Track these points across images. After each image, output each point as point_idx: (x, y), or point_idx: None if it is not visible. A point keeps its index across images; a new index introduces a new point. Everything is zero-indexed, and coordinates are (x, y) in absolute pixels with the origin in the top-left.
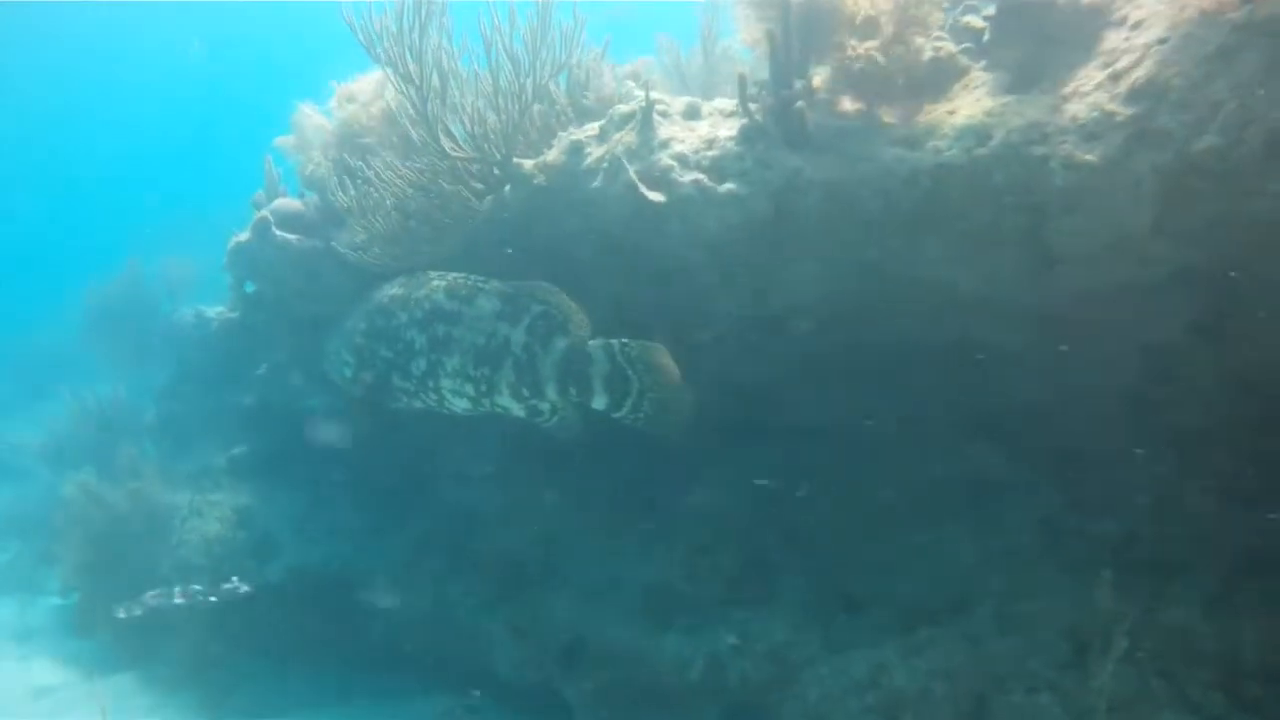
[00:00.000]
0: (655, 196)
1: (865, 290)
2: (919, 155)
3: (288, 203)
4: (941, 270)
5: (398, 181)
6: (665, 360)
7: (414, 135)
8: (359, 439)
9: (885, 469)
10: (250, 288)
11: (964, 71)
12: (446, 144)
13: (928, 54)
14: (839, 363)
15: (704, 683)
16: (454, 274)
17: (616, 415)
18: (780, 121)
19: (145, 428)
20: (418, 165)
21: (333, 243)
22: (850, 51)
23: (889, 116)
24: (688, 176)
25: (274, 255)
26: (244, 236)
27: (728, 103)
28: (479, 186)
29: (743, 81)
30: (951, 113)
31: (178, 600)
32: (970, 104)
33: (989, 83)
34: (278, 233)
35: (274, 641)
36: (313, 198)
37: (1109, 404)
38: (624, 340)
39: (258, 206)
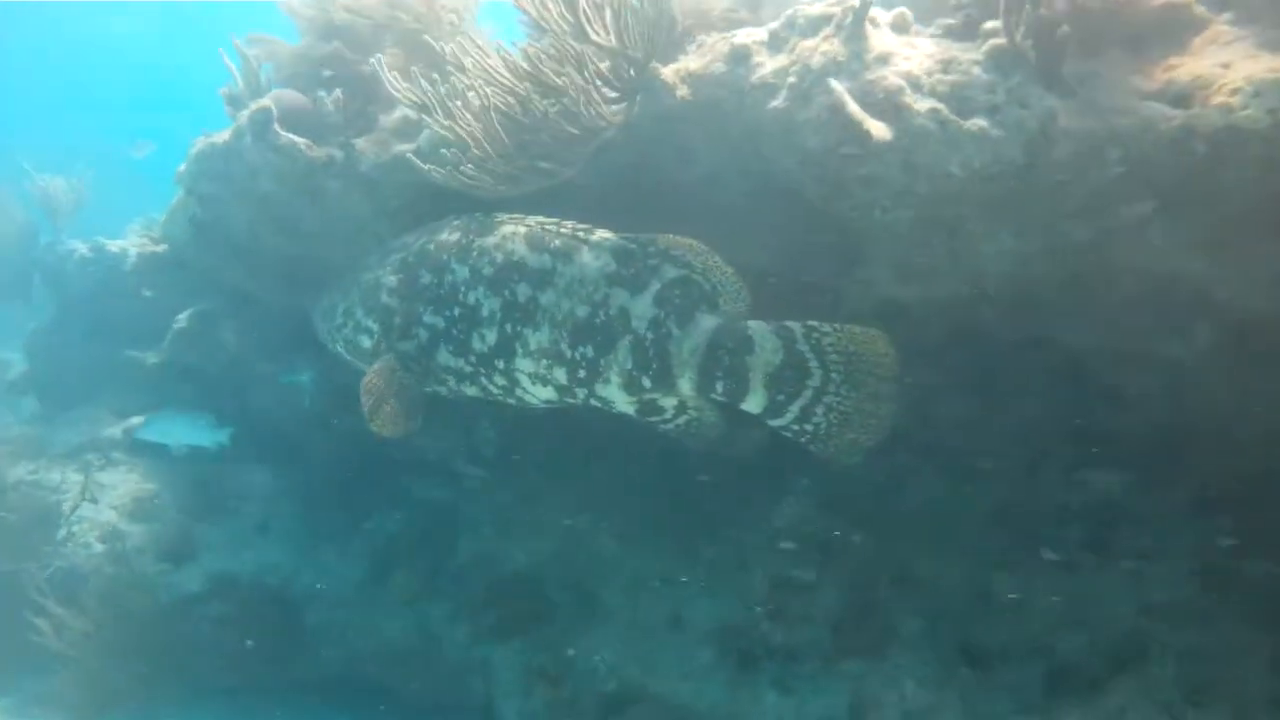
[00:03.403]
0: (877, 128)
1: (1058, 278)
2: (1195, 114)
3: (291, 95)
4: (1185, 264)
5: (502, 70)
6: (881, 354)
7: (532, 7)
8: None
9: (996, 491)
10: (194, 212)
11: (1203, 23)
12: (590, 24)
13: None
14: (971, 363)
15: None
16: (535, 217)
17: (774, 423)
18: (1040, 48)
19: (9, 384)
20: (539, 47)
21: (407, 152)
22: None
23: (1109, 66)
24: (923, 104)
25: (272, 164)
26: (221, 137)
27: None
28: (611, 94)
29: None
30: (1226, 66)
31: None
32: (1247, 60)
33: (1250, 38)
34: (281, 132)
35: (191, 670)
36: (334, 93)
37: None
38: (811, 322)
39: (235, 103)
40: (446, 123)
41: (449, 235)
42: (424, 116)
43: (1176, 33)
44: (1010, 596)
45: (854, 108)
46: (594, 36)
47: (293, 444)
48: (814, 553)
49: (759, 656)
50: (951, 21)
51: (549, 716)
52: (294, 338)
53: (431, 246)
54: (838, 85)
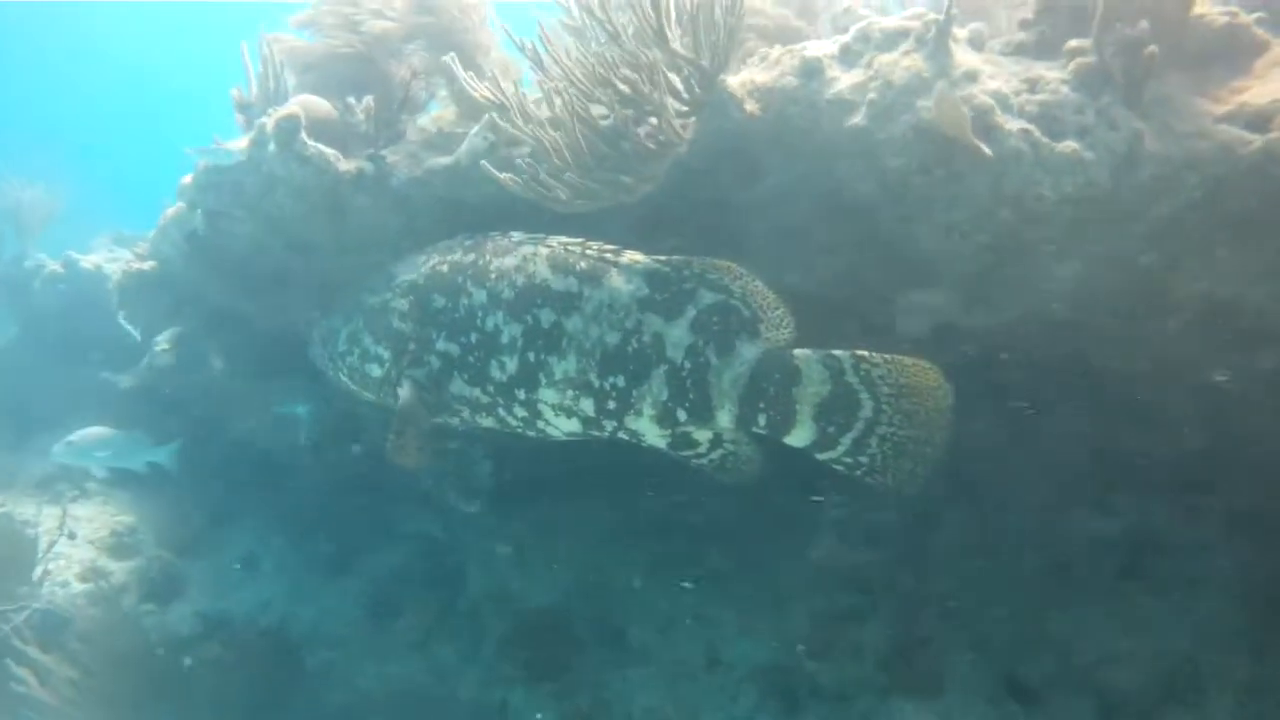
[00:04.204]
0: (984, 148)
1: (1117, 302)
2: (1276, 138)
3: (316, 102)
4: (1249, 290)
5: (577, 72)
6: (934, 386)
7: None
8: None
9: (1029, 519)
10: (195, 228)
11: (1263, 45)
12: (670, 28)
13: (1220, 20)
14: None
15: None
16: (555, 237)
17: (823, 456)
18: (1128, 69)
19: None
20: (617, 52)
21: (444, 164)
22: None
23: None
24: (1014, 124)
25: (295, 177)
26: (237, 144)
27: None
28: (681, 107)
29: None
30: None
31: None
32: None
33: None
34: (309, 142)
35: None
36: (364, 101)
37: None
38: (859, 351)
39: (246, 110)
40: (527, 128)
41: (463, 256)
42: (497, 120)
43: (1237, 55)
44: (1054, 628)
45: (967, 126)
46: (674, 44)
47: (280, 474)
48: (854, 588)
49: (805, 697)
50: (1024, 37)
51: None
52: (286, 363)
53: (445, 268)
54: (951, 97)
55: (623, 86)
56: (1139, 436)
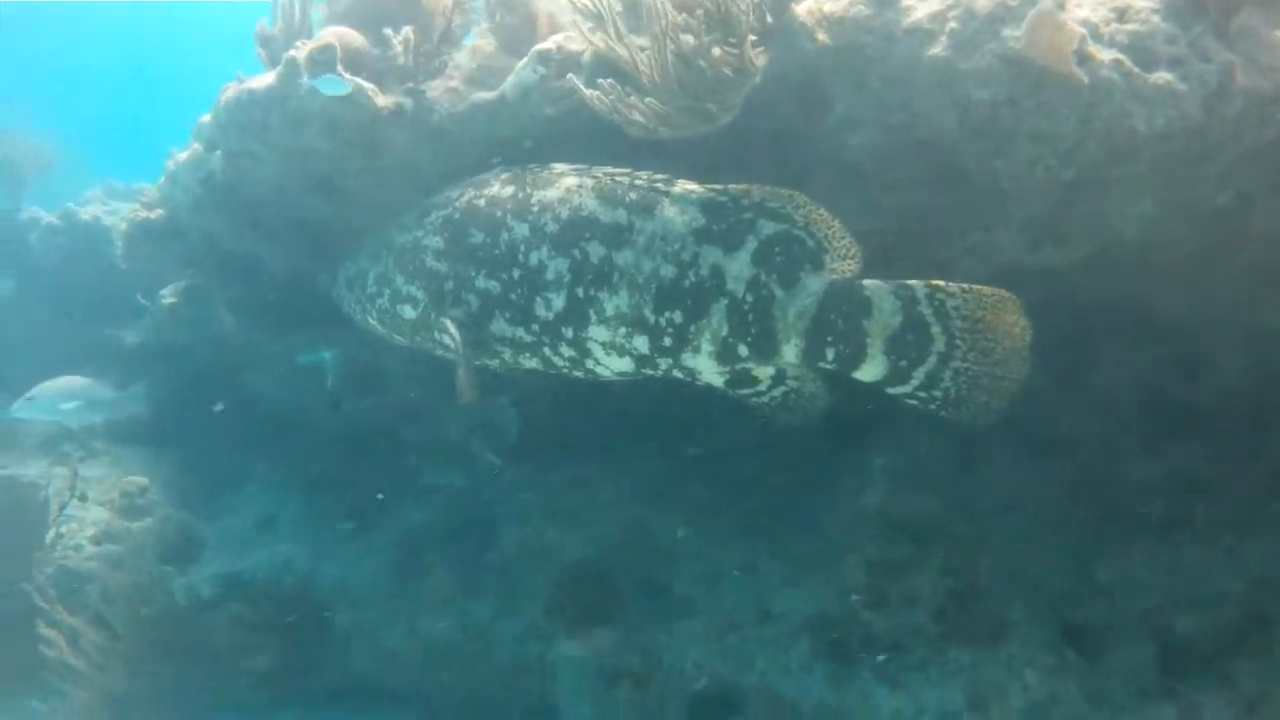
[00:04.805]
0: (1079, 73)
1: (1184, 242)
2: None
3: (350, 34)
4: None
5: None
6: (1011, 318)
7: None
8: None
9: (1077, 465)
10: (211, 170)
11: None
12: None
13: None
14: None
15: None
16: (599, 168)
17: (894, 391)
18: None
19: None
20: None
21: (489, 99)
22: None
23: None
24: (1106, 55)
25: (328, 113)
26: (260, 82)
27: None
28: (752, 36)
29: None
30: None
31: None
32: None
33: None
34: (346, 76)
35: (212, 681)
36: (403, 31)
37: None
38: (934, 281)
39: (269, 45)
40: (620, 48)
41: (501, 189)
42: (590, 35)
43: None
44: (1107, 575)
45: (1068, 49)
46: None
47: (297, 429)
48: (906, 536)
49: (860, 648)
50: None
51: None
52: (303, 314)
53: (481, 202)
54: (1053, 15)
55: (710, 5)
56: (1189, 382)
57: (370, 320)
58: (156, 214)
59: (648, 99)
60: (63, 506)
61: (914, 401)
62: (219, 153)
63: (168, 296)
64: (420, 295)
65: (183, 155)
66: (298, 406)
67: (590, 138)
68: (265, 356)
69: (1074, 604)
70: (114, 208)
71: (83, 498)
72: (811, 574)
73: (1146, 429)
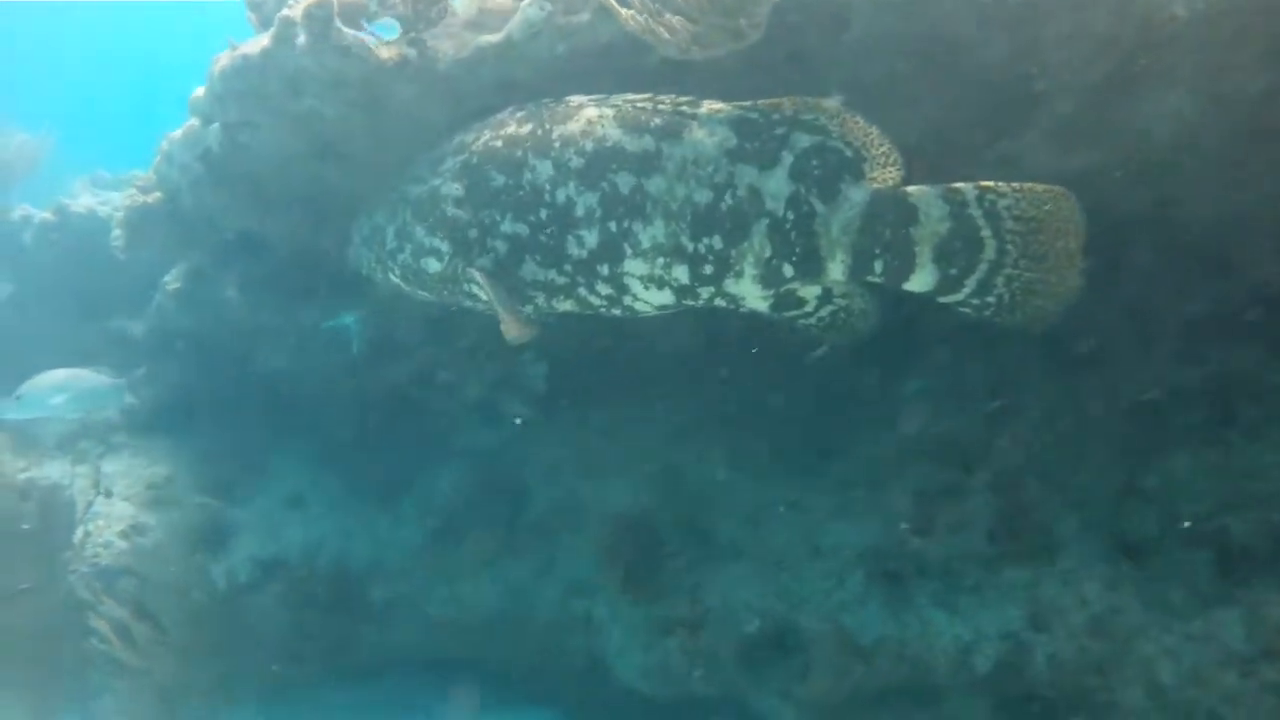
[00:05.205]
0: None
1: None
2: None
3: None
4: None
5: None
6: (1066, 219)
7: None
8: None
9: (1113, 376)
10: (209, 146)
11: None
12: None
13: None
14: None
15: (998, 673)
16: (621, 95)
17: (946, 299)
18: None
19: None
20: None
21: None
22: None
23: None
24: None
25: (328, 70)
26: (257, 46)
27: None
28: None
29: None
30: None
31: None
32: None
33: None
34: (345, 30)
35: (256, 665)
36: None
37: None
38: (984, 182)
39: (259, 7)
40: None
41: (517, 128)
42: None
43: None
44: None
45: None
46: None
47: (316, 404)
48: (950, 459)
49: (914, 575)
50: None
51: (687, 668)
52: (311, 287)
53: (499, 143)
54: None
55: None
56: (1222, 283)
57: (392, 278)
58: (154, 197)
59: (679, 16)
60: (89, 504)
61: (967, 309)
62: (216, 126)
63: (172, 282)
64: (444, 247)
65: (177, 133)
66: (316, 381)
67: (607, 73)
68: (278, 332)
69: (1125, 515)
70: (106, 198)
71: (107, 494)
72: (858, 506)
73: (1183, 335)
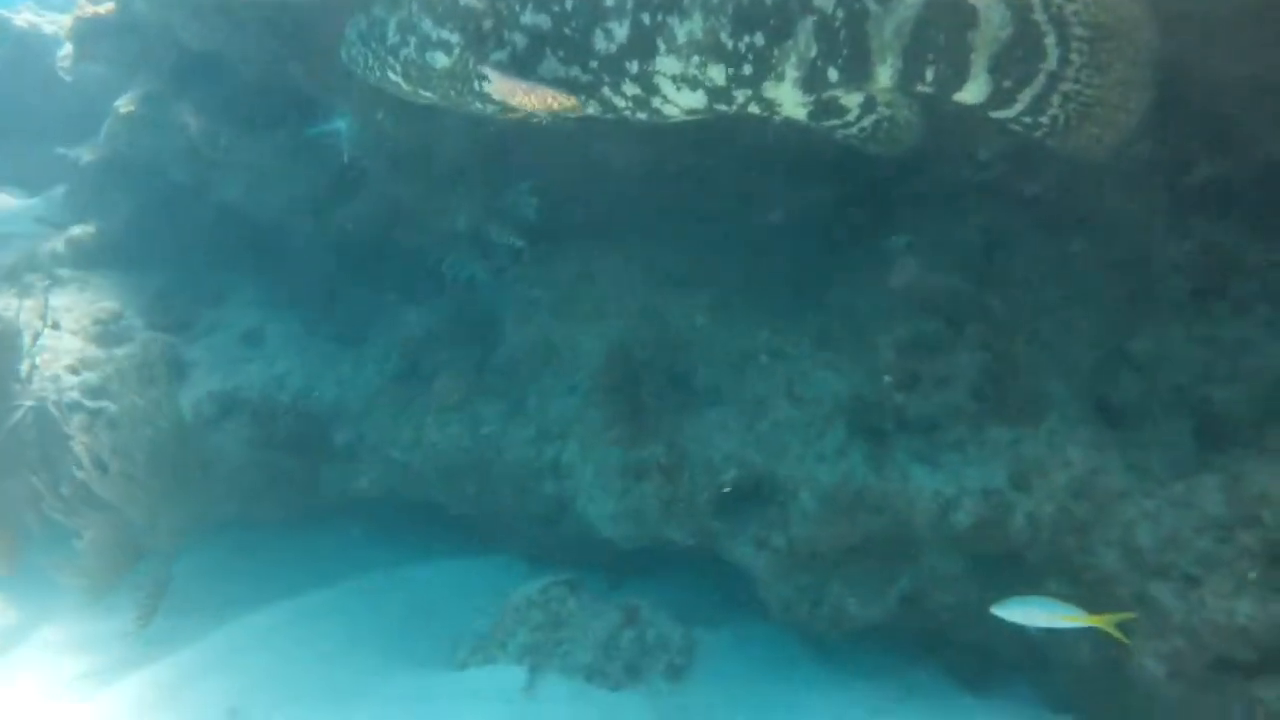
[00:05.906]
0: None
1: None
2: None
3: None
4: None
5: None
6: (1134, 28)
7: None
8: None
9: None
10: None
11: None
12: None
13: None
14: None
15: (977, 530)
16: None
17: (997, 114)
18: None
19: None
20: None
21: None
22: None
23: None
24: None
25: None
26: None
27: None
28: None
29: None
30: None
31: None
32: None
33: None
34: None
35: (212, 504)
36: None
37: None
38: None
39: None
40: None
41: None
42: None
43: None
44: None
45: None
46: None
47: (276, 238)
48: (938, 315)
49: (896, 430)
50: None
51: (663, 515)
52: (277, 115)
53: None
54: None
55: None
56: (1215, 157)
57: (392, 75)
58: (107, 8)
59: None
60: (36, 336)
61: (1018, 128)
62: None
63: (124, 105)
64: (454, 39)
65: None
66: (275, 214)
67: None
68: (239, 162)
69: (1110, 380)
70: (52, 18)
71: (55, 326)
72: (842, 357)
73: (1177, 206)
